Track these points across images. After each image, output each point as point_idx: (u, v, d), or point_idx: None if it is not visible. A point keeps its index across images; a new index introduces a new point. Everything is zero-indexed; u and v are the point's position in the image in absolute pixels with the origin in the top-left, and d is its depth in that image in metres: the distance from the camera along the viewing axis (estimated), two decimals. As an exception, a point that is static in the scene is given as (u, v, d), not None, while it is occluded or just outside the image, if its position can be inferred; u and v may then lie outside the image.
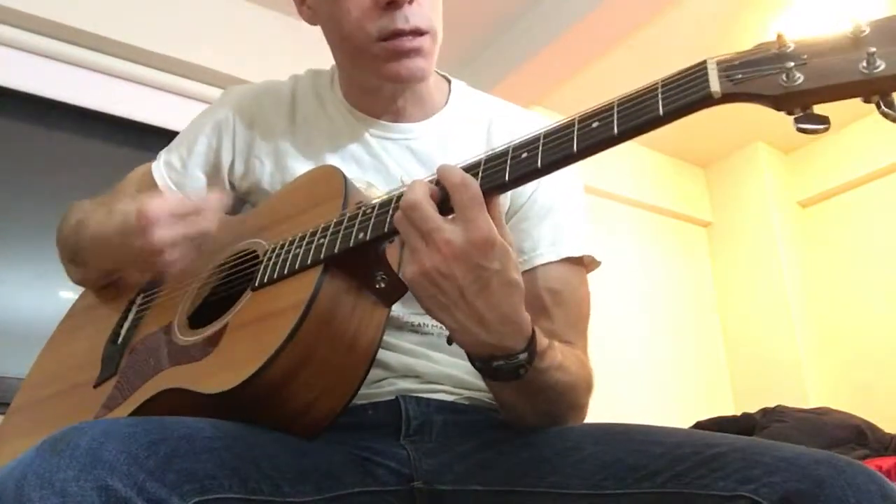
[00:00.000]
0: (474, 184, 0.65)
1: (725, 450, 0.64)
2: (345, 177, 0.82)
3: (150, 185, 1.01)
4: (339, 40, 0.93)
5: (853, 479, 0.57)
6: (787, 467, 0.59)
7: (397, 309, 0.84)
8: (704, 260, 3.82)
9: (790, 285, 3.47)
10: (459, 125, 0.99)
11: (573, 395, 0.80)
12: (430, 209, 0.66)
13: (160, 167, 1.02)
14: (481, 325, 0.67)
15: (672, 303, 3.55)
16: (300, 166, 0.94)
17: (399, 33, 0.87)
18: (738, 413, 2.84)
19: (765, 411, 2.69)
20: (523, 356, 0.69)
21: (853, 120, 3.45)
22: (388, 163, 0.95)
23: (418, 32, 0.88)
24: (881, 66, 0.50)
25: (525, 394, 0.75)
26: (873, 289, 3.33)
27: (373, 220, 0.72)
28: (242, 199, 1.02)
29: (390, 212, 0.71)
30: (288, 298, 0.73)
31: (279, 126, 0.99)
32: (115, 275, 0.99)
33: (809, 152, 3.70)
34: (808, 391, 3.26)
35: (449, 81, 1.04)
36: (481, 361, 0.71)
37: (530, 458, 0.75)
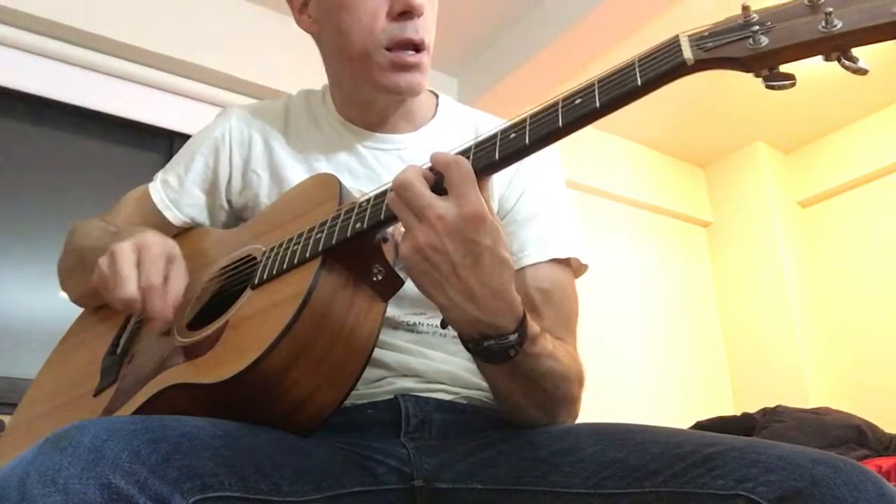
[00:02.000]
0: (466, 162, 0.67)
1: (724, 449, 0.64)
2: (339, 181, 0.84)
3: (148, 205, 1.03)
4: (344, 47, 0.95)
5: (850, 479, 0.57)
6: (784, 466, 0.59)
7: (393, 309, 0.85)
8: (704, 260, 3.83)
9: (790, 285, 3.47)
10: (448, 136, 1.01)
11: (566, 386, 0.81)
12: (422, 187, 0.67)
13: (157, 186, 1.04)
14: (473, 301, 0.68)
15: (672, 303, 3.55)
16: (295, 178, 0.96)
17: (408, 43, 0.92)
18: (738, 413, 2.84)
19: (765, 411, 2.70)
20: (514, 337, 0.70)
21: (853, 120, 3.46)
22: (381, 172, 0.97)
23: (422, 46, 0.93)
24: (838, 24, 0.55)
25: (519, 380, 0.76)
26: (873, 289, 3.33)
27: (369, 210, 0.74)
28: (238, 217, 1.03)
29: (386, 200, 0.73)
30: (287, 290, 0.74)
31: (274, 141, 1.01)
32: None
33: (809, 152, 3.70)
34: (808, 391, 3.26)
35: (437, 96, 1.07)
36: (473, 342, 0.72)
37: (530, 458, 0.75)
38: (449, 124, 1.04)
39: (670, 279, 3.61)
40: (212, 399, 0.70)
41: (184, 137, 2.18)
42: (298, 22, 1.03)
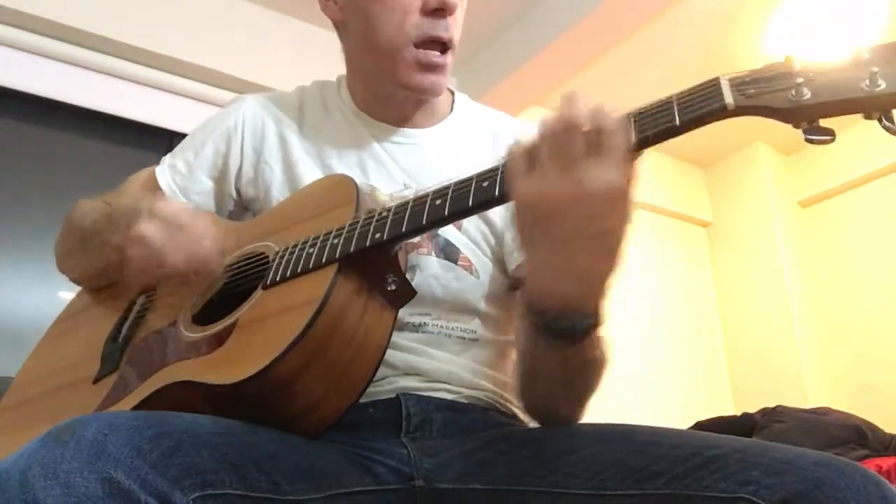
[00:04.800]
0: (629, 133, 0.61)
1: (725, 451, 0.64)
2: (357, 185, 0.84)
3: (154, 190, 1.01)
4: (371, 39, 0.95)
5: (852, 481, 0.57)
6: (786, 469, 0.59)
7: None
8: (704, 260, 3.83)
9: (790, 285, 3.47)
10: (464, 134, 1.02)
11: (601, 377, 0.77)
12: (583, 138, 0.60)
13: (164, 171, 1.02)
14: (580, 277, 0.63)
15: (672, 303, 3.55)
16: (309, 172, 0.96)
17: (436, 40, 0.92)
18: (738, 413, 2.84)
19: (765, 411, 2.70)
20: (591, 320, 0.67)
21: (853, 120, 3.45)
22: (392, 168, 0.97)
23: (449, 46, 0.93)
24: (882, 84, 0.54)
25: (570, 368, 0.72)
26: (873, 289, 3.33)
27: (389, 220, 0.73)
28: (245, 207, 1.02)
29: (408, 213, 0.72)
30: (302, 295, 0.73)
31: (288, 134, 1.00)
32: (110, 272, 0.98)
33: (809, 152, 3.69)
34: (808, 391, 3.26)
35: (452, 93, 1.07)
36: (551, 317, 0.66)
37: (530, 458, 0.75)
38: (464, 122, 1.04)
39: (670, 279, 3.61)
40: (217, 399, 0.70)
41: (184, 138, 2.17)
42: (324, 8, 1.01)
